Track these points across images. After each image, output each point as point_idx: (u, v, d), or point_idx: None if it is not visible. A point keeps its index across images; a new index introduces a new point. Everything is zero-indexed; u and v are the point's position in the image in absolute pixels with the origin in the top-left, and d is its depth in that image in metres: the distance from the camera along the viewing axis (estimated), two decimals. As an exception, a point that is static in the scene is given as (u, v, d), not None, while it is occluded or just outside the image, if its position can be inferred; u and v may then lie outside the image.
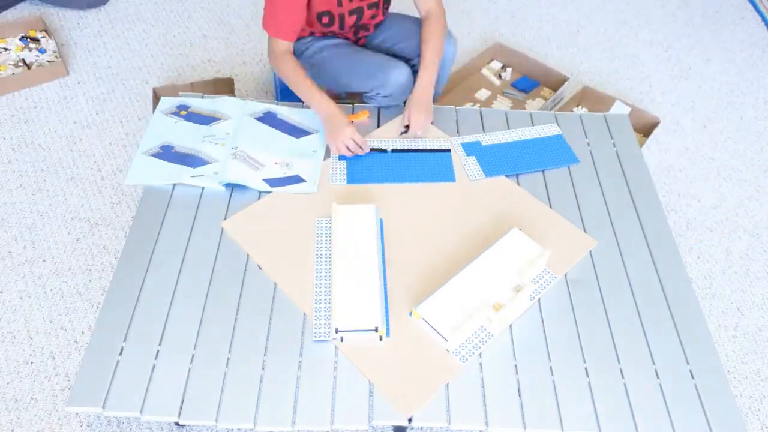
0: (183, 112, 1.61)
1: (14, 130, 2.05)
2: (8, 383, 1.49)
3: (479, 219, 1.43)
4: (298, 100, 1.63)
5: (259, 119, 1.60)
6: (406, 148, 1.56)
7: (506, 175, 1.52)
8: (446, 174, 1.50)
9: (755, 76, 2.45)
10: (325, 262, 1.33)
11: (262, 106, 1.65)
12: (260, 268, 1.32)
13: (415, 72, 1.63)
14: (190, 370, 1.16)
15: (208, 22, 2.52)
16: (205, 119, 1.61)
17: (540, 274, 1.32)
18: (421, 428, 1.45)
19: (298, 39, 1.71)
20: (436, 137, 1.60)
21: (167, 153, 1.52)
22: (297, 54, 1.72)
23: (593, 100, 2.18)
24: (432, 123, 1.63)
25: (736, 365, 1.61)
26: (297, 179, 1.47)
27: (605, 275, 1.34)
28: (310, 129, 1.59)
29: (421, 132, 1.57)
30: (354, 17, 1.62)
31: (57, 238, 1.77)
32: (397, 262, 1.34)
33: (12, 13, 2.46)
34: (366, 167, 1.52)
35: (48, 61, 2.24)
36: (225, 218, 1.41)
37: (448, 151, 1.55)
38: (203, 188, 1.47)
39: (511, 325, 1.25)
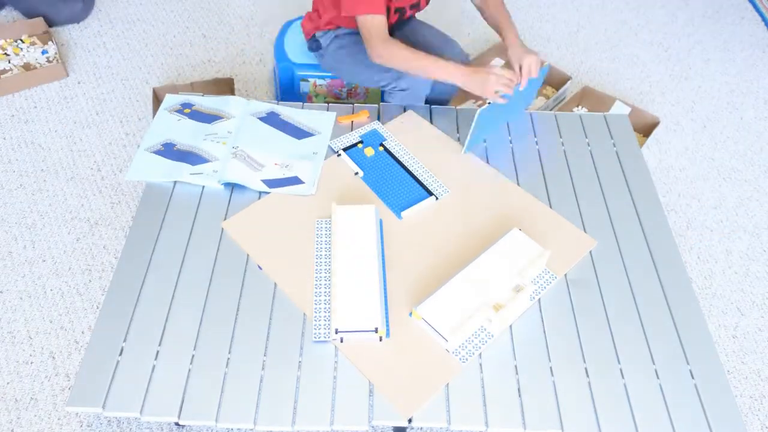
0: (187, 110, 1.62)
1: (14, 130, 2.05)
2: (8, 383, 1.49)
3: (479, 219, 1.43)
4: (298, 100, 1.63)
5: (262, 119, 1.60)
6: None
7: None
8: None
9: (755, 76, 2.45)
10: (325, 262, 1.33)
11: (265, 106, 1.65)
12: (260, 268, 1.32)
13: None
14: (190, 370, 1.16)
15: (208, 22, 2.52)
16: (208, 117, 1.61)
17: (540, 274, 1.32)
18: (421, 428, 1.45)
19: (325, 32, 1.73)
20: (435, 136, 1.60)
21: (169, 150, 1.53)
22: (323, 47, 1.75)
23: (593, 100, 2.18)
24: (431, 123, 1.63)
25: (736, 365, 1.61)
26: (295, 180, 1.47)
27: (605, 275, 1.34)
28: (312, 130, 1.59)
29: (534, 70, 1.50)
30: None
31: (57, 238, 1.77)
32: (397, 263, 1.34)
33: (12, 14, 2.46)
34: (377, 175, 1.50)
35: (48, 61, 2.24)
36: (225, 218, 1.41)
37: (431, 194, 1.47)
38: (203, 188, 1.47)
39: (511, 326, 1.25)
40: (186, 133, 1.57)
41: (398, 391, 1.14)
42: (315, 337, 1.20)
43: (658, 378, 1.19)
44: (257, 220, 1.40)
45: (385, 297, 1.27)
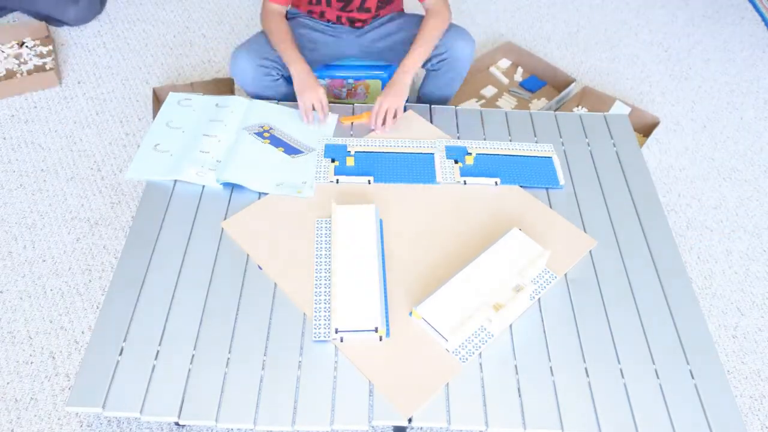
0: (266, 134, 1.58)
1: (14, 130, 2.05)
2: (8, 383, 1.49)
3: (479, 219, 1.43)
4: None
5: (257, 134, 1.58)
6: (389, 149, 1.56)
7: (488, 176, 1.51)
8: (429, 176, 1.50)
9: (755, 76, 2.45)
10: (325, 262, 1.33)
11: (262, 112, 1.63)
12: (260, 268, 1.32)
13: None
14: (190, 370, 1.16)
15: (208, 22, 2.52)
16: (208, 116, 1.61)
17: (540, 274, 1.32)
18: (421, 428, 1.45)
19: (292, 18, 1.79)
20: (435, 136, 1.60)
21: (168, 149, 1.53)
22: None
23: (593, 100, 2.18)
24: (431, 123, 1.63)
25: (736, 365, 1.61)
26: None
27: (605, 275, 1.34)
28: (306, 148, 1.57)
29: (386, 124, 1.57)
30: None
31: (57, 238, 1.77)
32: (397, 262, 1.34)
33: (13, 16, 2.46)
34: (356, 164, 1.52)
35: (45, 63, 2.24)
36: (225, 218, 1.41)
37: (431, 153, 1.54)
38: (203, 188, 1.47)
39: (511, 325, 1.25)
40: (186, 132, 1.57)
41: (398, 390, 1.14)
42: (315, 337, 1.20)
43: (658, 378, 1.19)
44: (257, 220, 1.40)
45: (385, 297, 1.27)
